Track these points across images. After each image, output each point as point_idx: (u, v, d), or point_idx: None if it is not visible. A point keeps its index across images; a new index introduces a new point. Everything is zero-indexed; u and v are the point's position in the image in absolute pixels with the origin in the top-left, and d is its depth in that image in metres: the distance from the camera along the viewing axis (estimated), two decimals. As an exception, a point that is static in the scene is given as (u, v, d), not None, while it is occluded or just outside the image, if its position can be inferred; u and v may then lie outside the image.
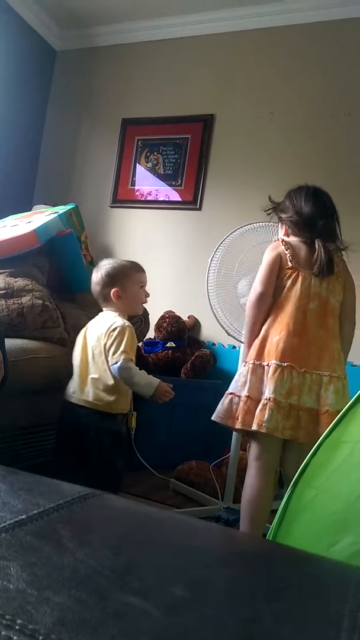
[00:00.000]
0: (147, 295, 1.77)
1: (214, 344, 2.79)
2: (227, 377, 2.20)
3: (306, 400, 1.47)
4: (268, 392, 1.47)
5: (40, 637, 0.33)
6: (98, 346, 1.62)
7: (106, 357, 1.59)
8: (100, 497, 0.64)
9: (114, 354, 1.58)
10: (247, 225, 1.94)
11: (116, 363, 1.57)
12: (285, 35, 2.78)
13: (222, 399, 1.59)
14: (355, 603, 0.48)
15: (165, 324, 2.66)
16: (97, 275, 1.72)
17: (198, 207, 2.93)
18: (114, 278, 1.69)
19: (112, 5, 2.97)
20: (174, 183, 3.01)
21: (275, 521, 1.08)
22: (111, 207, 3.16)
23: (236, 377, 1.59)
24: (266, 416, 1.44)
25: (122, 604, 0.40)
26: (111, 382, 1.60)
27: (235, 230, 1.95)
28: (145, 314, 2.38)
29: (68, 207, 2.44)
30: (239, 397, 1.54)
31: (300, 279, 1.56)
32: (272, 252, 1.62)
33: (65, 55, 3.37)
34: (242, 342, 1.78)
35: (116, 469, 1.78)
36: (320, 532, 1.08)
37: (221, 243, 1.96)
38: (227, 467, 2.01)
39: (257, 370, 1.53)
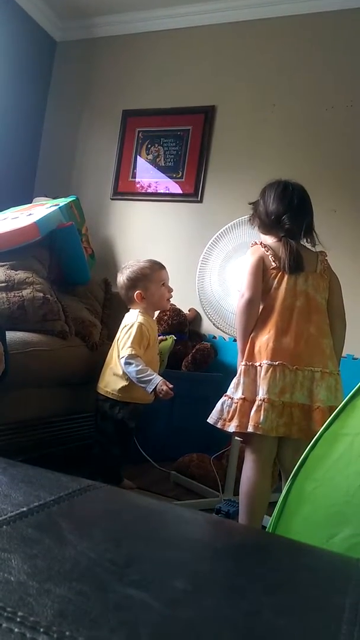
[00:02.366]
0: (170, 290, 1.92)
1: (214, 337, 2.79)
2: (228, 370, 2.20)
3: (298, 396, 1.48)
4: (262, 392, 1.48)
5: (41, 629, 0.33)
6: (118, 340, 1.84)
7: (119, 351, 1.78)
8: (101, 490, 0.64)
9: (122, 348, 1.77)
10: (240, 218, 1.94)
11: (122, 357, 1.75)
12: (286, 26, 2.76)
13: (219, 401, 1.59)
14: (355, 596, 0.49)
15: (166, 317, 2.66)
16: (120, 280, 1.90)
17: (199, 199, 2.92)
18: (135, 281, 1.85)
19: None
20: (174, 175, 3.00)
21: (275, 513, 1.08)
22: (112, 199, 3.14)
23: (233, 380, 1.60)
24: (262, 417, 1.45)
25: (122, 596, 0.41)
26: (121, 371, 1.78)
27: (228, 225, 1.96)
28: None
29: (69, 199, 2.43)
30: (232, 399, 1.54)
31: (285, 278, 1.57)
32: (253, 255, 1.61)
33: (65, 46, 3.34)
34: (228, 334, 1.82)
35: (114, 458, 1.82)
36: (319, 524, 1.09)
37: (213, 238, 1.97)
38: (228, 459, 2.02)
39: (250, 371, 1.54)
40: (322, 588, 0.52)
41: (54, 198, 2.66)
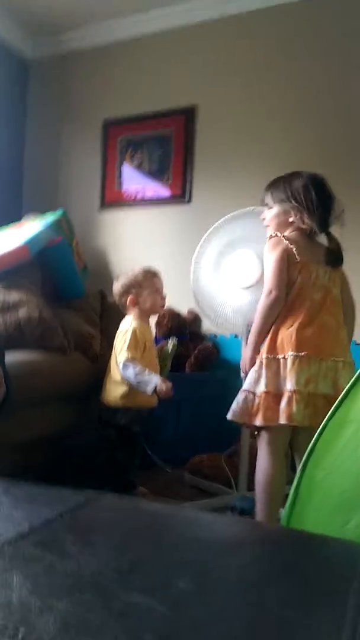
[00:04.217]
0: (163, 298, 1.96)
1: (215, 336, 2.79)
2: (233, 368, 2.20)
3: (322, 387, 1.48)
4: (290, 384, 1.48)
5: (43, 644, 0.34)
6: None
7: (116, 357, 1.84)
8: (104, 499, 0.65)
9: (119, 354, 1.83)
10: (232, 213, 1.95)
11: (119, 363, 1.80)
12: (263, 19, 2.75)
13: (237, 397, 1.58)
14: None
15: (165, 321, 2.66)
16: (115, 287, 1.96)
17: (187, 200, 2.93)
18: (128, 287, 1.91)
19: (81, 6, 2.95)
20: (161, 178, 3.01)
21: (288, 504, 1.08)
22: (100, 210, 3.15)
23: (249, 374, 1.59)
24: (294, 409, 1.45)
25: (126, 603, 0.41)
26: (120, 377, 1.82)
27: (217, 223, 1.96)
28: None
29: (57, 214, 2.44)
30: (254, 393, 1.54)
31: (308, 271, 1.57)
32: (276, 250, 1.58)
33: (38, 63, 3.35)
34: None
35: (121, 464, 1.84)
36: (332, 512, 1.09)
37: (204, 237, 1.98)
38: (239, 456, 2.02)
39: (272, 364, 1.54)
40: (329, 577, 0.52)
41: (43, 213, 2.68)
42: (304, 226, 1.60)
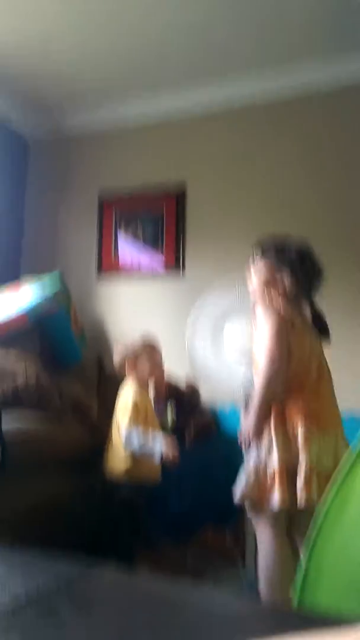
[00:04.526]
0: (161, 371, 2.01)
1: (214, 410, 2.74)
2: (233, 441, 2.15)
3: (326, 462, 1.44)
4: (305, 461, 1.43)
5: None
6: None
7: (118, 426, 1.86)
8: (101, 573, 0.60)
9: (121, 423, 1.84)
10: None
11: (122, 436, 1.81)
12: (248, 113, 2.95)
13: (242, 475, 1.50)
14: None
15: (163, 391, 2.63)
16: (115, 353, 2.02)
17: (182, 274, 3.00)
18: (126, 354, 1.96)
19: (79, 91, 3.12)
20: (155, 251, 3.11)
21: (297, 588, 1.01)
22: (97, 279, 3.21)
23: (258, 449, 1.51)
24: (314, 489, 1.39)
25: None
26: (123, 452, 1.82)
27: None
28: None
29: (53, 276, 2.47)
30: (266, 467, 1.48)
31: (304, 341, 1.55)
32: (274, 319, 1.52)
33: (38, 144, 3.54)
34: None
35: (125, 540, 1.77)
36: (343, 597, 1.02)
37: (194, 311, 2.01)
38: (244, 530, 1.92)
39: (282, 439, 1.48)
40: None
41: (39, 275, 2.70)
42: (293, 292, 1.59)
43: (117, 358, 1.97)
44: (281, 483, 1.41)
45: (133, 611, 0.50)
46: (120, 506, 1.79)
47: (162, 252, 3.07)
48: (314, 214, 2.71)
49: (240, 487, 1.48)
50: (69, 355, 2.36)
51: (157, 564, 1.92)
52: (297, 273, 1.58)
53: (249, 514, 1.57)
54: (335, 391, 1.59)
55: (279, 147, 2.87)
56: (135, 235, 3.15)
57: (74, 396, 2.11)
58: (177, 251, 3.03)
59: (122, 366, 1.95)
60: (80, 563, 0.58)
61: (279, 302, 1.59)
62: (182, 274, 3.00)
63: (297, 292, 1.59)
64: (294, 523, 1.49)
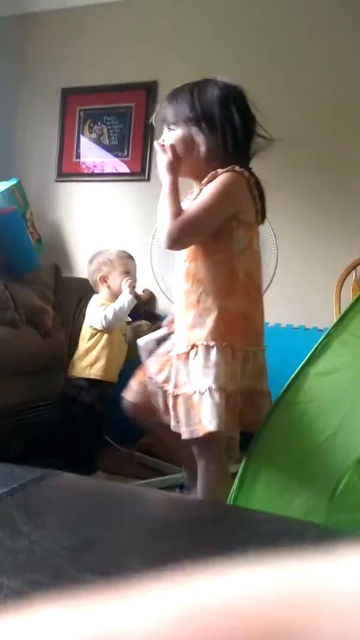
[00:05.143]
0: (132, 280, 1.96)
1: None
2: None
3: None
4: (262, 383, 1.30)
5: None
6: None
7: (87, 327, 1.92)
8: (55, 477, 0.64)
9: (93, 320, 1.90)
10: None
11: (100, 320, 1.86)
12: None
13: (208, 399, 1.15)
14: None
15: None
16: (89, 264, 2.01)
17: (146, 177, 2.88)
18: (100, 265, 1.96)
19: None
20: (120, 154, 2.94)
21: (235, 486, 1.11)
22: (56, 181, 3.06)
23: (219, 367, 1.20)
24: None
25: (79, 582, 0.41)
26: (86, 346, 1.90)
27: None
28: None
29: (10, 182, 2.35)
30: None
31: (256, 231, 1.26)
32: (233, 179, 1.17)
33: (-5, 21, 3.18)
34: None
35: (84, 443, 1.86)
36: (279, 491, 1.12)
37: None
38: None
39: (227, 353, 1.21)
40: (272, 553, 0.54)
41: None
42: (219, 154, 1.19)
43: (91, 265, 1.98)
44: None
45: (87, 516, 0.53)
46: (83, 411, 1.85)
47: (127, 155, 2.92)
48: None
49: (214, 417, 1.21)
50: (25, 262, 2.30)
51: (112, 468, 2.03)
52: (221, 128, 1.19)
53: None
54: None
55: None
56: (100, 136, 2.96)
57: (30, 304, 2.09)
58: (144, 154, 2.89)
59: (94, 273, 1.96)
60: (36, 470, 0.61)
61: (245, 172, 1.20)
62: (147, 177, 2.89)
63: (222, 153, 1.20)
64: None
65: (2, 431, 1.89)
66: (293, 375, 1.18)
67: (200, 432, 1.14)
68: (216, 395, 1.13)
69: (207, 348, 1.17)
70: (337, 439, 1.04)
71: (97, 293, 1.99)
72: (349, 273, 2.23)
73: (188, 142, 1.23)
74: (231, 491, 1.09)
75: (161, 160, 1.26)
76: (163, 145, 1.26)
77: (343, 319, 1.23)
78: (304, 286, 2.47)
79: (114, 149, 2.95)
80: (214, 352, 1.17)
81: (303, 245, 2.48)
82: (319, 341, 1.19)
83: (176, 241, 1.20)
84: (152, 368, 1.32)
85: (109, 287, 1.95)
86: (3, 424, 1.90)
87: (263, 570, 0.08)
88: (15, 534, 0.48)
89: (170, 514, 0.61)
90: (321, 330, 2.23)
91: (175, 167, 1.23)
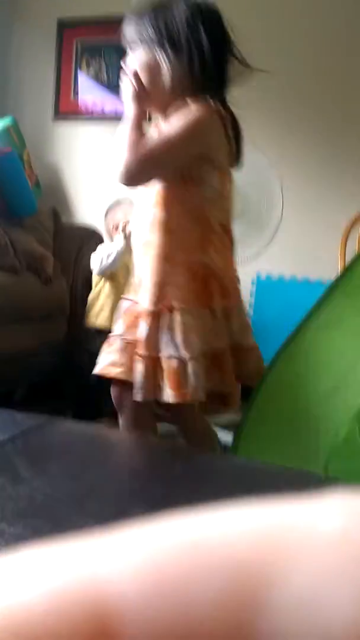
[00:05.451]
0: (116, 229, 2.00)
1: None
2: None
3: None
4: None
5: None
6: None
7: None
8: (57, 424, 0.63)
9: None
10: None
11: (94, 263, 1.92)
12: None
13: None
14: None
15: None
16: (108, 215, 2.06)
17: (148, 118, 2.76)
18: (119, 222, 2.00)
19: None
20: (120, 93, 2.81)
21: (236, 435, 1.12)
22: (54, 121, 2.93)
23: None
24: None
25: (80, 528, 0.41)
26: (92, 294, 1.94)
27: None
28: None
29: (4, 121, 2.25)
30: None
31: (229, 175, 1.15)
32: (204, 113, 1.04)
33: None
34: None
35: (91, 390, 1.88)
36: (280, 441, 1.13)
37: None
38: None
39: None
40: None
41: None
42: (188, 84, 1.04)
43: (109, 218, 2.04)
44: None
45: (89, 463, 0.53)
46: (89, 359, 1.86)
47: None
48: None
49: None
50: (23, 206, 2.23)
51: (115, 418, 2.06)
52: (189, 51, 1.03)
53: None
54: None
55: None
56: (98, 72, 2.81)
57: (30, 250, 2.05)
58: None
59: (112, 227, 2.01)
60: (38, 417, 0.61)
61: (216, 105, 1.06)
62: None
63: (192, 84, 1.06)
64: None
65: (6, 377, 1.90)
66: (296, 327, 1.17)
67: (172, 400, 0.99)
68: (189, 365, 1.00)
69: (182, 311, 1.04)
70: (339, 390, 1.03)
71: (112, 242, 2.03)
72: (354, 224, 2.18)
73: (152, 69, 1.08)
74: (233, 442, 1.10)
75: (126, 88, 1.13)
76: (134, 72, 1.09)
77: (348, 270, 1.20)
78: (310, 236, 2.42)
79: (114, 88, 2.82)
80: (188, 317, 1.04)
81: (309, 192, 2.41)
82: (323, 293, 1.17)
83: (133, 177, 1.08)
84: (121, 326, 1.18)
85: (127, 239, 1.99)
86: (6, 369, 1.91)
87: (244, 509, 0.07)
88: (17, 481, 0.47)
89: (171, 463, 0.60)
90: (325, 283, 2.21)
91: (141, 98, 1.11)
